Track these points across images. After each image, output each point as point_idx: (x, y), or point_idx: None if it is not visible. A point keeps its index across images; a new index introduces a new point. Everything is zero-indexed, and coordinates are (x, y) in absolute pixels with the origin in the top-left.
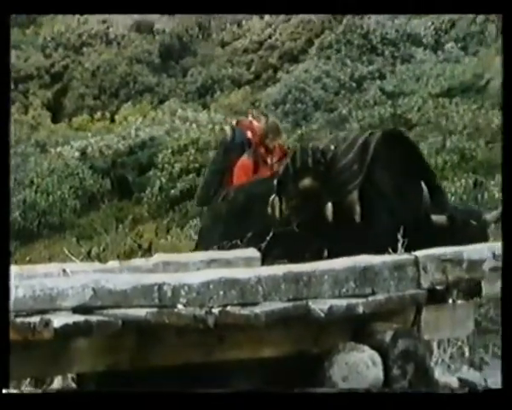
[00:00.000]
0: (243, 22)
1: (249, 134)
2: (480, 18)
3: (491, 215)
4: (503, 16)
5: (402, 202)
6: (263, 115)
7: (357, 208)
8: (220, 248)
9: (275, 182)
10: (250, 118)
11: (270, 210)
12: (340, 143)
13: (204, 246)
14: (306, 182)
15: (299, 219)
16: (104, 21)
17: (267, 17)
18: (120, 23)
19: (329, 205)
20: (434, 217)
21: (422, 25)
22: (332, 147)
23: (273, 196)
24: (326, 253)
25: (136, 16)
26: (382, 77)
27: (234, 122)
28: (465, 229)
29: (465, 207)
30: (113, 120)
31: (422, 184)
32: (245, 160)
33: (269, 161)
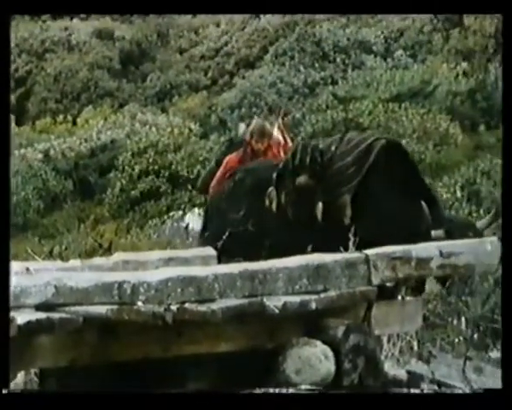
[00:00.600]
0: (200, 30)
1: (247, 135)
2: (428, 27)
3: (481, 223)
4: (503, 16)
5: (399, 214)
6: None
7: (348, 211)
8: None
9: (274, 175)
10: (276, 126)
11: (267, 202)
12: (344, 145)
13: (211, 224)
14: (302, 179)
15: (293, 214)
16: (66, 28)
17: (223, 25)
18: (82, 30)
19: (320, 204)
20: (433, 232)
21: (373, 33)
22: (333, 147)
23: (271, 189)
24: (310, 249)
25: (97, 24)
26: (334, 83)
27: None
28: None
29: (460, 219)
30: (74, 123)
31: (423, 203)
32: (230, 158)
33: None
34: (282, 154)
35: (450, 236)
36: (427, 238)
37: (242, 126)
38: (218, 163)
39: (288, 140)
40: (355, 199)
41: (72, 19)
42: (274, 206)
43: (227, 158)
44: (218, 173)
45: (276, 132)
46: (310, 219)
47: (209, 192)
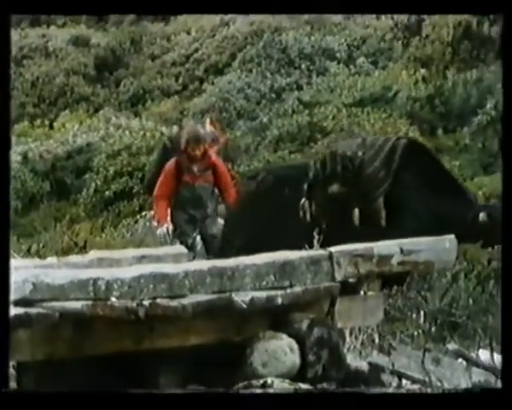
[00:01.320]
0: (172, 37)
1: (182, 139)
2: (388, 35)
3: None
4: (503, 16)
5: (437, 207)
6: (217, 122)
7: (383, 213)
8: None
9: (305, 186)
10: (208, 122)
11: (301, 213)
12: (368, 149)
13: (232, 222)
14: (335, 187)
15: (327, 222)
16: (44, 35)
17: (194, 32)
18: (59, 37)
19: (356, 211)
20: (481, 215)
21: (336, 41)
22: (360, 153)
23: (303, 200)
24: None
25: (73, 31)
26: (300, 88)
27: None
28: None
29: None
30: (51, 127)
31: (468, 188)
32: (169, 164)
33: (194, 168)
34: (214, 147)
35: (491, 218)
36: (475, 221)
37: (176, 129)
38: (158, 166)
39: (220, 133)
40: (388, 200)
41: (49, 26)
42: (308, 216)
43: (165, 166)
44: (160, 184)
45: (208, 127)
46: (345, 226)
47: (157, 196)
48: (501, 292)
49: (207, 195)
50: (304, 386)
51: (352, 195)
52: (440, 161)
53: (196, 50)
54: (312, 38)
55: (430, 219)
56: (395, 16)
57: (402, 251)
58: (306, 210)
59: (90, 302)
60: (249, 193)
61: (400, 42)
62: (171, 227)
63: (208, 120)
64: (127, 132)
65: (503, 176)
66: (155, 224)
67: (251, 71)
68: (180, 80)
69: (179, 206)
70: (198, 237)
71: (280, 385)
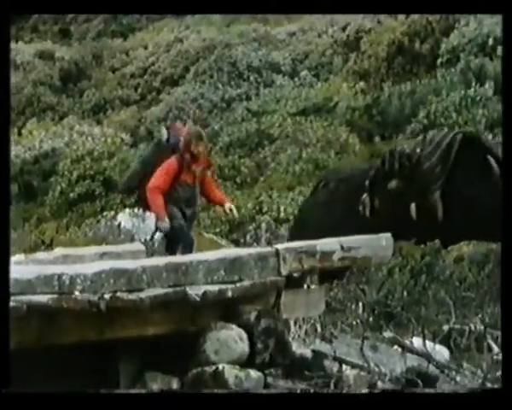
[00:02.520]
0: (130, 51)
1: (181, 140)
2: (329, 51)
3: None
4: (503, 16)
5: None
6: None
7: (440, 207)
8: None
9: (366, 183)
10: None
11: (361, 208)
12: (426, 146)
13: (300, 228)
14: (393, 183)
15: (387, 216)
16: (12, 50)
17: (151, 47)
18: (26, 51)
19: (413, 205)
20: None
21: (281, 55)
22: (418, 150)
23: (364, 196)
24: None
25: (40, 46)
26: (248, 98)
27: (170, 125)
28: None
29: None
30: (20, 134)
31: None
32: (171, 162)
33: (193, 167)
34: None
35: None
36: None
37: (164, 130)
38: (143, 165)
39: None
40: (444, 195)
41: (17, 41)
42: (367, 211)
43: (164, 163)
44: (160, 177)
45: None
46: (404, 220)
47: (154, 188)
48: (501, 292)
49: (198, 194)
50: (252, 372)
51: (410, 190)
52: (495, 153)
53: (153, 64)
54: (259, 52)
55: (484, 213)
56: (335, 34)
57: (342, 248)
58: (366, 206)
59: (55, 296)
60: (323, 202)
61: (340, 57)
62: (167, 221)
63: (192, 117)
64: (90, 139)
65: (504, 175)
66: (149, 213)
67: (203, 82)
68: (138, 91)
69: (173, 202)
70: (156, 235)
71: (230, 371)
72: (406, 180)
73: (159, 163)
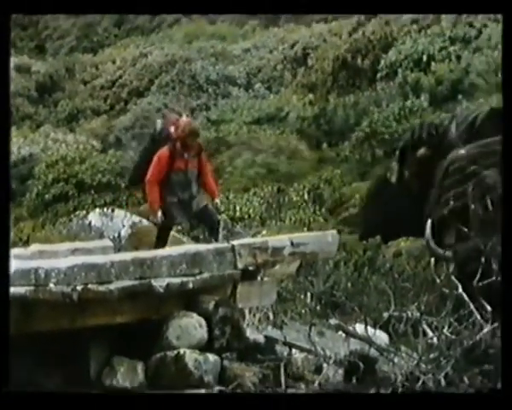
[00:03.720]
0: (100, 65)
1: (172, 129)
2: (280, 66)
3: None
4: (503, 16)
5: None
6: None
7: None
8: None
9: (397, 152)
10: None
11: (388, 174)
12: (456, 119)
13: (366, 225)
14: (422, 151)
15: (415, 184)
16: None
17: (118, 62)
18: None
19: (439, 169)
20: None
21: (237, 69)
22: (446, 122)
23: (393, 163)
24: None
25: (17, 60)
26: (208, 109)
27: (163, 117)
28: None
29: None
30: None
31: None
32: (163, 151)
33: (185, 155)
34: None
35: None
36: None
37: (159, 122)
38: (143, 158)
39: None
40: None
41: None
42: (394, 178)
43: (157, 153)
44: (154, 168)
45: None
46: (429, 186)
47: (150, 181)
48: (501, 292)
49: (194, 178)
50: (210, 356)
51: (436, 155)
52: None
53: (121, 77)
54: (217, 67)
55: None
56: (285, 51)
57: (292, 244)
58: (393, 172)
59: (32, 288)
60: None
61: (290, 71)
62: (160, 214)
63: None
64: (63, 145)
65: (504, 176)
66: (146, 207)
67: (167, 94)
68: (108, 102)
69: (169, 190)
70: (123, 231)
71: (190, 355)
72: (433, 148)
73: (155, 154)
